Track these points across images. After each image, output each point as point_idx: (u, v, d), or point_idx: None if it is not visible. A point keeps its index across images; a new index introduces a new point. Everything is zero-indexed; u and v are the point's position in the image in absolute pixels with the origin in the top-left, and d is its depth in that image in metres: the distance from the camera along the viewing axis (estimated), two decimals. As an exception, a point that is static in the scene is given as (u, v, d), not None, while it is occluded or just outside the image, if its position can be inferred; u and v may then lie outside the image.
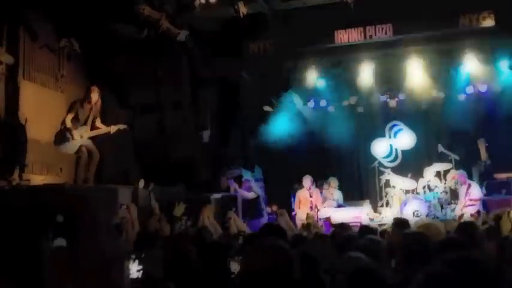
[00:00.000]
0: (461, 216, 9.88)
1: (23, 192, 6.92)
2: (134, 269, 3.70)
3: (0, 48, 8.20)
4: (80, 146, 7.95)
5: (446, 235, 4.04)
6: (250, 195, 10.61)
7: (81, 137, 7.92)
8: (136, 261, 3.68)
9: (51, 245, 3.33)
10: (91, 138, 8.09)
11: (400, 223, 5.73)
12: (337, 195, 11.15)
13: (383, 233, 5.91)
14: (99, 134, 8.12)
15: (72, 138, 7.85)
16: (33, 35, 8.96)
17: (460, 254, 2.33)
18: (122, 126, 8.29)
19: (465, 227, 4.37)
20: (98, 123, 8.14)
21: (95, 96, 8.04)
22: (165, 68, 10.59)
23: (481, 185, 10.45)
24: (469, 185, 10.26)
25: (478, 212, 9.73)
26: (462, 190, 10.35)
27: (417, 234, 3.40)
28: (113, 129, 8.09)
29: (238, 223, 8.23)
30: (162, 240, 4.39)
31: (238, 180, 11.00)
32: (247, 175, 11.39)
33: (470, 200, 10.09)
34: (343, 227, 6.26)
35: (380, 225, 8.89)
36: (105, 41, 9.42)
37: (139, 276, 3.65)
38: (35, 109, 8.84)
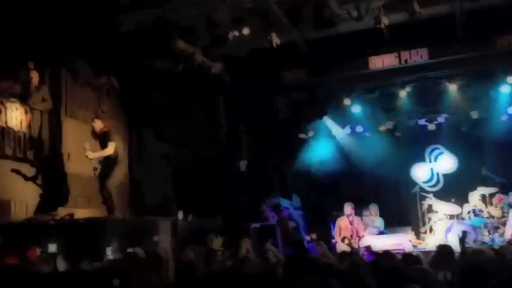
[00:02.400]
0: (511, 241, 9.48)
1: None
2: None
3: (44, 87, 8.53)
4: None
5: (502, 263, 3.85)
6: (290, 224, 10.52)
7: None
8: None
9: None
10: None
11: (445, 250, 5.55)
12: (379, 222, 10.90)
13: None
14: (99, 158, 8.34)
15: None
16: (75, 74, 9.29)
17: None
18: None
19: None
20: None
21: (96, 126, 8.45)
22: (200, 100, 10.75)
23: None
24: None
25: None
26: None
27: (475, 265, 3.27)
28: (89, 154, 8.22)
29: (276, 254, 8.14)
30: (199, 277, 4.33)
31: (277, 209, 10.93)
32: (285, 203, 11.32)
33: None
34: (387, 255, 6.06)
35: (424, 252, 8.62)
36: (142, 77, 9.68)
37: None
38: (77, 145, 9.09)
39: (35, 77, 8.30)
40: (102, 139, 8.37)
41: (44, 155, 8.58)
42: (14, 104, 8.07)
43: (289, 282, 2.84)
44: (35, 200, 8.33)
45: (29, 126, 8.34)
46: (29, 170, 8.37)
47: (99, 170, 8.30)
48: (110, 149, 8.25)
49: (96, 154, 8.28)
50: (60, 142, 8.89)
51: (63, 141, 8.94)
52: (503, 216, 10.27)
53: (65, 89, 9.09)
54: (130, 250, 6.74)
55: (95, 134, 8.51)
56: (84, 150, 8.11)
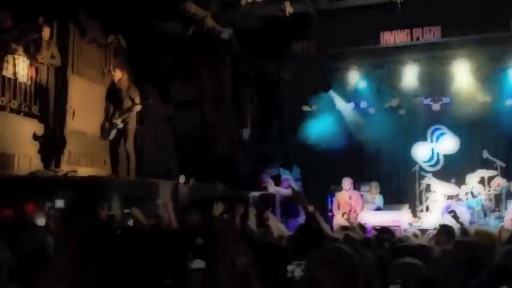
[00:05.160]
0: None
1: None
2: None
3: (53, 44, 8.41)
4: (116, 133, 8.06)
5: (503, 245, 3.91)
6: (287, 192, 10.57)
7: (115, 123, 8.03)
8: None
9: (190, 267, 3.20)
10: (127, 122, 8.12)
11: (447, 230, 5.63)
12: (378, 199, 10.98)
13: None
14: (127, 115, 8.07)
15: (110, 126, 8.01)
16: (82, 31, 9.17)
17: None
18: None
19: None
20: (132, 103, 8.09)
21: (116, 76, 8.16)
22: (207, 66, 10.65)
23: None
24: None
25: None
26: None
27: (476, 245, 3.31)
28: (136, 108, 8.07)
29: (276, 223, 8.20)
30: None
31: (277, 179, 10.98)
32: (285, 174, 11.36)
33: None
34: (386, 231, 6.12)
35: (420, 230, 8.72)
36: (150, 38, 9.55)
37: None
38: (82, 102, 9.04)
39: (46, 32, 8.18)
40: (125, 94, 8.09)
41: (48, 111, 8.53)
42: (21, 57, 7.98)
43: (301, 253, 2.87)
44: (39, 155, 8.32)
45: (35, 80, 8.27)
46: (34, 125, 8.33)
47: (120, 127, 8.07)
48: (139, 104, 8.08)
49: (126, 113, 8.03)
50: (65, 99, 8.84)
51: (68, 98, 8.88)
52: (499, 200, 10.38)
53: (72, 46, 8.98)
54: (127, 210, 6.77)
55: (111, 89, 8.23)
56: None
